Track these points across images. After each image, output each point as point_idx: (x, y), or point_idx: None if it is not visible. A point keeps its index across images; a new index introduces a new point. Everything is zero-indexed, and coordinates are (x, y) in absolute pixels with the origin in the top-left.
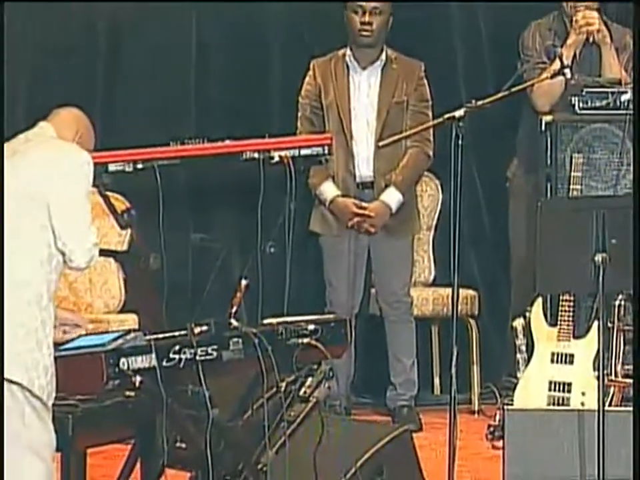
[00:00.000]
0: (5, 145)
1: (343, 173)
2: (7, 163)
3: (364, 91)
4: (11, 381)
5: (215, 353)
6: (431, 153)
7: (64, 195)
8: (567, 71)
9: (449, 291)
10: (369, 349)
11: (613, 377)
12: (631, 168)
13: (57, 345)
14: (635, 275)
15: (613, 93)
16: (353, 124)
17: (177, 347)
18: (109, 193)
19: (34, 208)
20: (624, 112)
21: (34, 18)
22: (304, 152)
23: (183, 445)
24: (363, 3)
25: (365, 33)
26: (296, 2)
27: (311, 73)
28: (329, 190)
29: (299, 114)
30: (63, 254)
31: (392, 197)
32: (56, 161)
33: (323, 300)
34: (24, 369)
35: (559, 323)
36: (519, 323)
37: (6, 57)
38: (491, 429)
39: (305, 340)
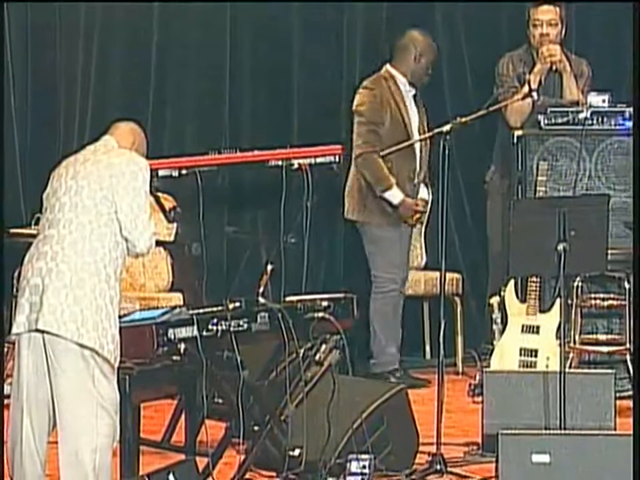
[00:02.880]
0: (78, 154)
1: (404, 178)
2: (81, 168)
3: (413, 108)
4: (86, 346)
5: (245, 325)
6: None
7: (128, 194)
8: (535, 94)
9: (437, 274)
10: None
11: (572, 345)
12: (587, 173)
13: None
14: (634, 268)
15: (572, 112)
16: (414, 135)
17: (215, 320)
18: (158, 194)
19: (104, 205)
20: (581, 127)
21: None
22: (319, 160)
23: (220, 401)
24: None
25: (427, 78)
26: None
27: (368, 91)
28: (397, 193)
29: (364, 127)
30: (127, 241)
31: (426, 193)
32: (121, 167)
33: (333, 281)
34: (96, 336)
35: (527, 300)
36: (495, 300)
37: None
38: (472, 387)
39: (320, 314)
